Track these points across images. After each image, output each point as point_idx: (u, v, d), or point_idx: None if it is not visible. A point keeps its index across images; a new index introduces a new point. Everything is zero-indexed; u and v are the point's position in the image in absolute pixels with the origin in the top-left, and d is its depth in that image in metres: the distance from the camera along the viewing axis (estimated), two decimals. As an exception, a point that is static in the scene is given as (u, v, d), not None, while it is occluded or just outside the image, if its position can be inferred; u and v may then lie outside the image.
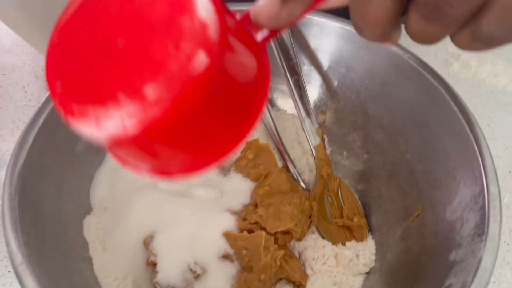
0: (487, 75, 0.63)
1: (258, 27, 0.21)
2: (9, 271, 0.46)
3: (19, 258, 0.31)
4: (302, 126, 0.48)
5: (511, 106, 0.60)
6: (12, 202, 0.33)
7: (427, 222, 0.41)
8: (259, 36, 0.21)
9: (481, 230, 0.34)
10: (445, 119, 0.41)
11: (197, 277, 0.39)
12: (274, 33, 0.21)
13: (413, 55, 0.43)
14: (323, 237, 0.46)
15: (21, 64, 0.62)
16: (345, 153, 0.51)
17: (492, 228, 0.33)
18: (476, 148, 0.37)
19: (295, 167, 0.48)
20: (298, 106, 0.47)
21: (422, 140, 0.44)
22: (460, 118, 0.39)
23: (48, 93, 0.40)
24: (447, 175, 0.40)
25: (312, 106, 0.50)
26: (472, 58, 0.64)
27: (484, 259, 0.32)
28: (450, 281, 0.33)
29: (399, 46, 0.44)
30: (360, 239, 0.46)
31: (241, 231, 0.41)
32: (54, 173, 0.39)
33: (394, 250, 0.43)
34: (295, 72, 0.46)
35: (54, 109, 0.39)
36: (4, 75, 0.61)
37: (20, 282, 0.30)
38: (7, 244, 0.32)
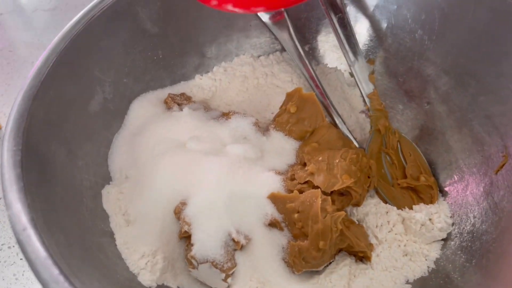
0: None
1: None
2: (21, 259, 0.40)
3: (22, 221, 0.24)
4: (352, 72, 0.41)
5: None
6: (14, 157, 0.27)
7: (518, 170, 0.33)
8: None
9: None
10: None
11: (240, 248, 0.32)
12: None
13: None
14: (385, 202, 0.38)
15: (29, 40, 0.57)
16: (400, 106, 0.44)
17: None
18: None
19: (344, 123, 0.41)
20: (345, 49, 0.40)
21: (500, 76, 0.36)
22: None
23: (53, 43, 0.34)
24: (540, 110, 0.32)
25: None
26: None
27: None
28: None
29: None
30: (430, 201, 0.38)
31: (290, 192, 0.34)
32: (64, 133, 0.33)
33: (477, 209, 0.35)
34: (339, 9, 0.39)
35: (60, 60, 0.33)
36: (11, 51, 0.56)
37: (23, 251, 0.24)
38: (8, 207, 0.25)
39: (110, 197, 0.35)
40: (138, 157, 0.37)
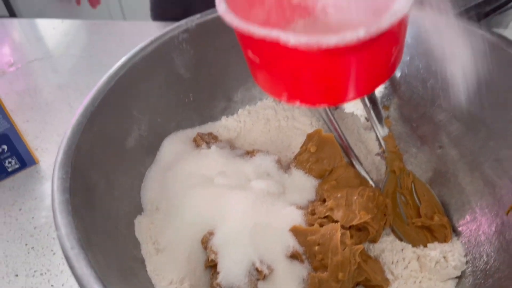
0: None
1: None
2: (52, 285, 0.42)
3: (71, 241, 0.27)
4: (369, 117, 0.44)
5: None
6: (64, 184, 0.30)
7: (528, 211, 0.35)
8: None
9: None
10: (537, 94, 0.36)
11: (263, 278, 0.34)
12: None
13: (488, 29, 0.39)
14: (401, 239, 0.40)
15: (66, 82, 0.62)
16: (414, 149, 0.46)
17: None
18: None
19: (361, 164, 0.43)
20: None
21: (509, 122, 0.38)
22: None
23: (99, 84, 0.38)
24: (547, 154, 0.35)
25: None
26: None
27: None
28: None
29: (471, 23, 0.40)
30: (444, 240, 0.40)
31: (310, 226, 0.36)
32: (104, 165, 0.36)
33: (489, 248, 0.37)
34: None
35: (105, 100, 0.37)
36: (50, 93, 0.60)
37: (71, 267, 0.26)
38: (57, 228, 0.28)
39: (142, 227, 0.37)
40: (169, 190, 0.40)
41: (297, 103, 0.27)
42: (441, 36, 0.42)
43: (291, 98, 0.27)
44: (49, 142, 0.54)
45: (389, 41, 0.25)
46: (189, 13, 0.44)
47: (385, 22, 0.22)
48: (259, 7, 0.30)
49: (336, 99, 0.27)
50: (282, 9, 0.31)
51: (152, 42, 0.41)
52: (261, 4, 0.30)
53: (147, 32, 0.68)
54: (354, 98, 0.27)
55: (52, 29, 0.70)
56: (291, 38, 0.22)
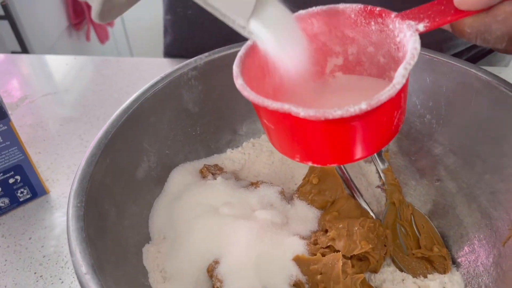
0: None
1: (422, 18, 0.28)
2: (59, 313, 0.43)
3: (85, 266, 0.28)
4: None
5: None
6: (78, 212, 0.32)
7: (524, 242, 0.36)
8: (420, 26, 0.28)
9: None
10: (528, 129, 0.38)
11: (267, 306, 0.35)
12: (437, 25, 0.28)
13: (480, 68, 0.42)
14: (402, 270, 0.41)
15: (78, 115, 0.64)
16: (413, 182, 0.48)
17: None
18: None
19: (361, 196, 0.45)
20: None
21: (502, 156, 0.40)
22: (547, 124, 0.36)
23: (112, 118, 0.40)
24: (539, 187, 0.36)
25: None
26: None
27: None
28: None
29: (464, 62, 0.43)
30: (444, 270, 0.41)
31: (313, 255, 0.37)
32: (116, 194, 0.38)
33: (487, 279, 0.38)
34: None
35: (117, 132, 0.39)
36: (62, 125, 0.63)
37: (84, 292, 0.27)
38: (72, 254, 0.29)
39: (149, 255, 0.39)
40: (176, 220, 0.41)
41: (310, 163, 0.29)
42: (436, 74, 0.45)
43: (304, 159, 0.29)
44: (59, 173, 0.56)
45: (391, 108, 0.27)
46: (199, 51, 0.47)
47: (385, 95, 0.24)
48: (270, 76, 0.33)
49: (344, 160, 0.29)
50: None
51: (162, 79, 0.44)
52: (271, 73, 0.33)
53: (154, 67, 0.71)
54: (361, 159, 0.29)
55: (65, 65, 0.74)
56: (301, 111, 0.25)
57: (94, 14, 0.28)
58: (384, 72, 0.34)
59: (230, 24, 0.29)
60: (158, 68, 0.71)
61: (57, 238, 0.48)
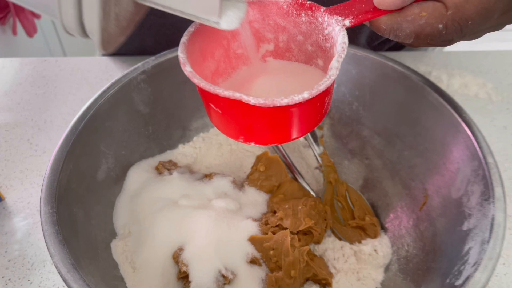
0: (459, 86, 0.70)
1: (348, 14, 0.33)
2: (32, 312, 0.45)
3: (66, 265, 0.32)
4: (306, 138, 0.51)
5: (485, 110, 0.66)
6: (52, 218, 0.35)
7: (435, 206, 0.44)
8: (346, 22, 0.32)
9: (487, 196, 0.37)
10: (434, 112, 0.45)
11: (228, 282, 0.40)
12: (360, 22, 0.33)
13: (396, 61, 0.49)
14: (340, 239, 0.48)
15: (23, 120, 0.65)
16: (346, 162, 0.55)
17: (497, 191, 0.37)
18: (467, 129, 0.41)
19: (303, 178, 0.51)
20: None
21: (417, 135, 0.48)
22: (448, 107, 0.44)
23: (70, 126, 0.42)
24: (445, 160, 0.44)
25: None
26: (442, 73, 0.71)
27: (496, 216, 0.35)
28: (469, 244, 0.36)
29: (383, 56, 0.49)
30: (374, 236, 0.48)
31: (265, 234, 0.43)
32: (81, 198, 0.41)
33: (409, 239, 0.46)
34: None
35: (77, 139, 0.42)
36: (8, 130, 0.63)
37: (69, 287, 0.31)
38: (52, 256, 0.33)
39: (118, 249, 0.42)
40: (138, 215, 0.45)
41: (253, 144, 0.33)
42: (360, 67, 0.51)
43: (247, 140, 0.33)
44: (12, 179, 0.57)
45: (324, 95, 0.32)
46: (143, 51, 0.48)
47: (323, 85, 0.29)
48: (210, 59, 0.36)
49: (283, 139, 0.33)
50: (229, 59, 0.38)
51: (113, 84, 0.46)
52: (211, 57, 0.37)
53: (95, 67, 0.72)
54: (297, 138, 0.34)
55: (2, 68, 0.73)
56: (252, 99, 0.28)
57: (97, 46, 0.29)
58: (311, 59, 0.38)
59: (200, 21, 0.31)
60: (99, 67, 0.73)
61: (19, 242, 0.50)
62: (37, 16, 1.46)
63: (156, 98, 0.50)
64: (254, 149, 0.54)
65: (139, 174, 0.48)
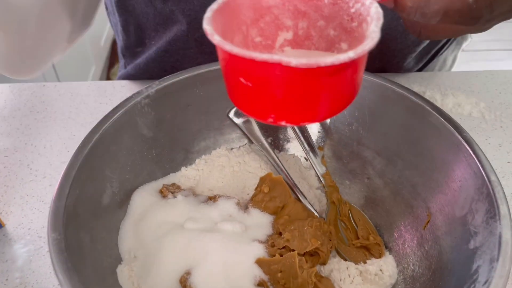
0: (453, 106, 0.71)
1: None
2: None
3: (76, 293, 0.31)
4: (308, 158, 0.52)
5: (480, 129, 0.68)
6: (59, 245, 0.34)
7: (439, 224, 0.44)
8: None
9: (492, 213, 0.38)
10: (434, 131, 0.46)
11: (237, 306, 0.40)
12: None
13: (395, 83, 0.50)
14: (345, 259, 0.48)
15: (22, 145, 0.64)
16: (347, 182, 0.55)
17: (502, 208, 0.37)
18: (468, 148, 0.42)
19: (306, 198, 0.51)
20: (301, 140, 0.51)
21: (418, 155, 0.49)
22: (448, 127, 0.45)
23: (76, 150, 0.42)
24: (447, 179, 0.45)
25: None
26: (435, 93, 0.73)
27: (503, 233, 0.35)
28: (478, 263, 0.36)
29: (382, 77, 0.50)
30: (379, 255, 0.48)
31: (272, 256, 0.43)
32: (87, 223, 0.41)
33: (414, 258, 0.46)
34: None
35: (82, 164, 0.42)
36: (7, 156, 0.63)
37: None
38: (61, 284, 0.32)
39: (123, 275, 0.42)
40: (143, 239, 0.45)
41: (283, 124, 0.30)
42: (360, 88, 0.52)
43: (278, 119, 0.30)
44: (12, 205, 0.56)
45: (362, 63, 0.30)
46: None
47: (367, 45, 0.27)
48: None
49: (314, 118, 0.30)
50: (247, 46, 0.35)
51: (117, 108, 0.46)
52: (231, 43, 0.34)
53: (94, 91, 0.73)
54: (330, 116, 0.31)
55: (1, 93, 0.72)
56: (293, 60, 0.25)
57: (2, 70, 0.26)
58: (333, 45, 0.35)
59: None
60: (98, 92, 0.73)
61: (20, 270, 0.49)
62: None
63: (160, 121, 0.51)
64: (257, 171, 0.55)
65: (143, 198, 0.48)
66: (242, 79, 0.29)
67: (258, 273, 0.42)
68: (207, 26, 0.29)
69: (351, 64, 0.28)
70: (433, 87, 0.74)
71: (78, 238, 0.38)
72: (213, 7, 0.31)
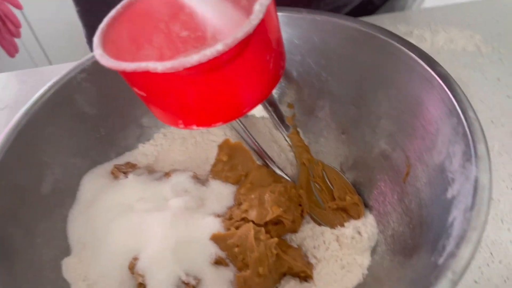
0: (444, 42, 0.64)
1: None
2: None
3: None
4: (271, 118, 0.47)
5: (476, 63, 0.60)
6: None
7: (419, 174, 0.39)
8: None
9: (468, 155, 0.32)
10: (406, 69, 0.40)
11: (192, 289, 0.36)
12: None
13: (360, 21, 0.43)
14: (320, 224, 0.43)
15: None
16: (322, 139, 0.50)
17: (480, 148, 0.31)
18: (442, 82, 0.36)
19: (274, 163, 0.46)
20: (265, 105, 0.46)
21: (391, 99, 0.42)
22: (419, 61, 0.38)
23: (3, 137, 0.38)
24: (423, 121, 0.39)
25: (277, 98, 0.49)
26: (424, 32, 0.65)
27: (480, 178, 0.30)
28: (453, 214, 0.31)
29: (345, 17, 0.44)
30: (358, 216, 0.43)
31: (228, 230, 0.39)
32: (20, 216, 0.37)
33: (394, 215, 0.41)
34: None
35: (10, 151, 0.38)
36: None
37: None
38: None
39: (70, 267, 0.38)
40: (93, 226, 0.41)
41: (194, 128, 0.28)
42: (322, 33, 0.46)
43: (187, 124, 0.28)
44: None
45: (259, 49, 0.26)
46: None
47: (241, 32, 0.24)
48: (148, 47, 0.31)
49: (228, 116, 0.28)
50: (174, 44, 0.32)
51: (50, 88, 0.42)
52: (149, 44, 0.31)
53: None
54: (247, 111, 0.28)
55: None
56: (159, 65, 0.24)
57: None
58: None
59: None
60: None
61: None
62: (16, 34, 1.42)
63: (104, 96, 0.46)
64: (221, 139, 0.50)
65: (93, 182, 0.44)
66: (136, 89, 0.28)
67: (213, 250, 0.37)
68: (96, 39, 0.28)
69: (233, 56, 0.24)
70: (422, 25, 0.67)
71: (4, 234, 0.34)
72: (111, 14, 0.30)
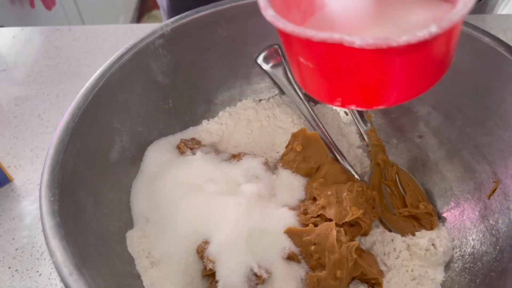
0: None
1: None
2: (42, 308, 0.40)
3: (69, 267, 0.26)
4: (349, 112, 0.44)
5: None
6: (53, 207, 0.29)
7: (509, 193, 0.37)
8: None
9: None
10: (508, 80, 0.37)
11: (262, 282, 0.34)
12: None
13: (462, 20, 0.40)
14: (390, 230, 0.41)
15: (34, 93, 0.59)
16: (394, 140, 0.47)
17: None
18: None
19: (345, 158, 0.44)
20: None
21: (484, 109, 0.40)
22: (529, 74, 0.36)
23: (77, 99, 0.36)
24: (524, 139, 0.36)
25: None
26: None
27: None
28: None
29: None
30: (431, 227, 0.41)
31: (304, 226, 0.37)
32: (90, 183, 0.35)
33: (475, 233, 0.38)
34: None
35: (85, 114, 0.36)
36: (17, 105, 0.58)
37: (72, 295, 0.25)
38: (52, 254, 0.27)
39: (134, 241, 0.37)
40: (158, 201, 0.39)
41: (353, 107, 0.27)
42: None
43: (347, 103, 0.25)
44: (21, 158, 0.52)
45: (455, 34, 0.24)
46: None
47: (457, 15, 0.21)
48: (295, 11, 0.28)
49: (394, 100, 0.25)
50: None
51: (128, 51, 0.40)
52: (297, 8, 0.28)
53: (111, 36, 0.66)
54: (414, 97, 0.26)
55: (12, 38, 0.67)
56: (357, 39, 0.21)
57: None
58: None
59: None
60: (116, 36, 0.66)
61: (28, 228, 0.45)
62: (54, -13, 1.39)
63: (177, 66, 0.44)
64: (288, 126, 0.48)
65: (158, 154, 0.42)
66: (301, 59, 0.25)
67: (287, 245, 0.36)
68: (267, 9, 0.24)
69: (437, 39, 0.22)
70: (497, 31, 0.64)
71: (78, 201, 0.33)
72: None
